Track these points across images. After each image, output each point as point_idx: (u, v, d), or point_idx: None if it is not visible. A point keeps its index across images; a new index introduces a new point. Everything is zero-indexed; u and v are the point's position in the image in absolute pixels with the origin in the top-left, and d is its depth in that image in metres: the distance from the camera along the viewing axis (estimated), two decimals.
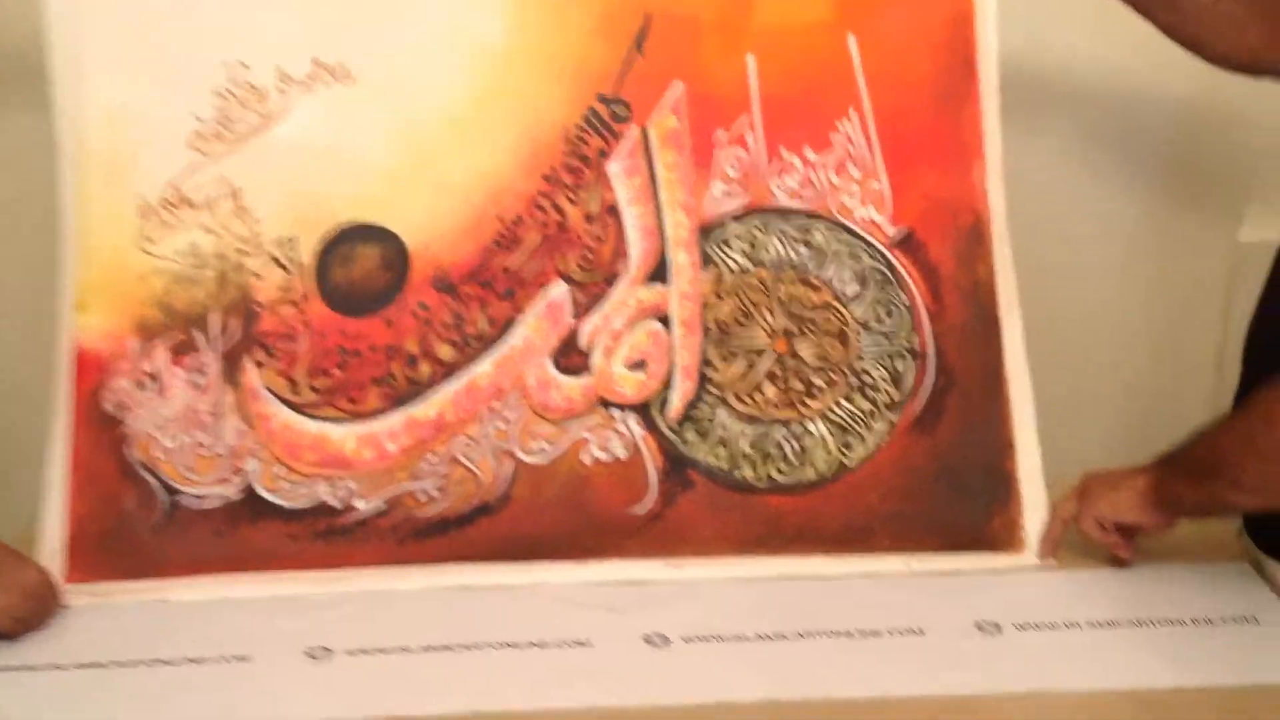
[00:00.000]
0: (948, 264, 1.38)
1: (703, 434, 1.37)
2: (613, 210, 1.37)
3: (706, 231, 1.38)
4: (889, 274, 1.38)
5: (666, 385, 1.38)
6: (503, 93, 1.36)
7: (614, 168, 1.36)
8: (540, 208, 1.36)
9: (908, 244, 1.38)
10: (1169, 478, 1.26)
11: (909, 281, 1.38)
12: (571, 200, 1.37)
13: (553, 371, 1.37)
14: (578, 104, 1.36)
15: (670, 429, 1.37)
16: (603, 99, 1.36)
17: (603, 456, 1.37)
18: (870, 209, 1.38)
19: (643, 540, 1.37)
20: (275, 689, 1.21)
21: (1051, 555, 1.35)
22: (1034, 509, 1.37)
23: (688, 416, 1.38)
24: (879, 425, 1.38)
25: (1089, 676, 1.21)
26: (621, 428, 1.37)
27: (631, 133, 1.36)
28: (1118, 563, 1.35)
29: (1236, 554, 1.39)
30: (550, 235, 1.36)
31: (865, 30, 1.37)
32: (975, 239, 1.38)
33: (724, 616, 1.30)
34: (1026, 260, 1.40)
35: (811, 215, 1.38)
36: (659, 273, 1.38)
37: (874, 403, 1.38)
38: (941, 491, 1.38)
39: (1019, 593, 1.34)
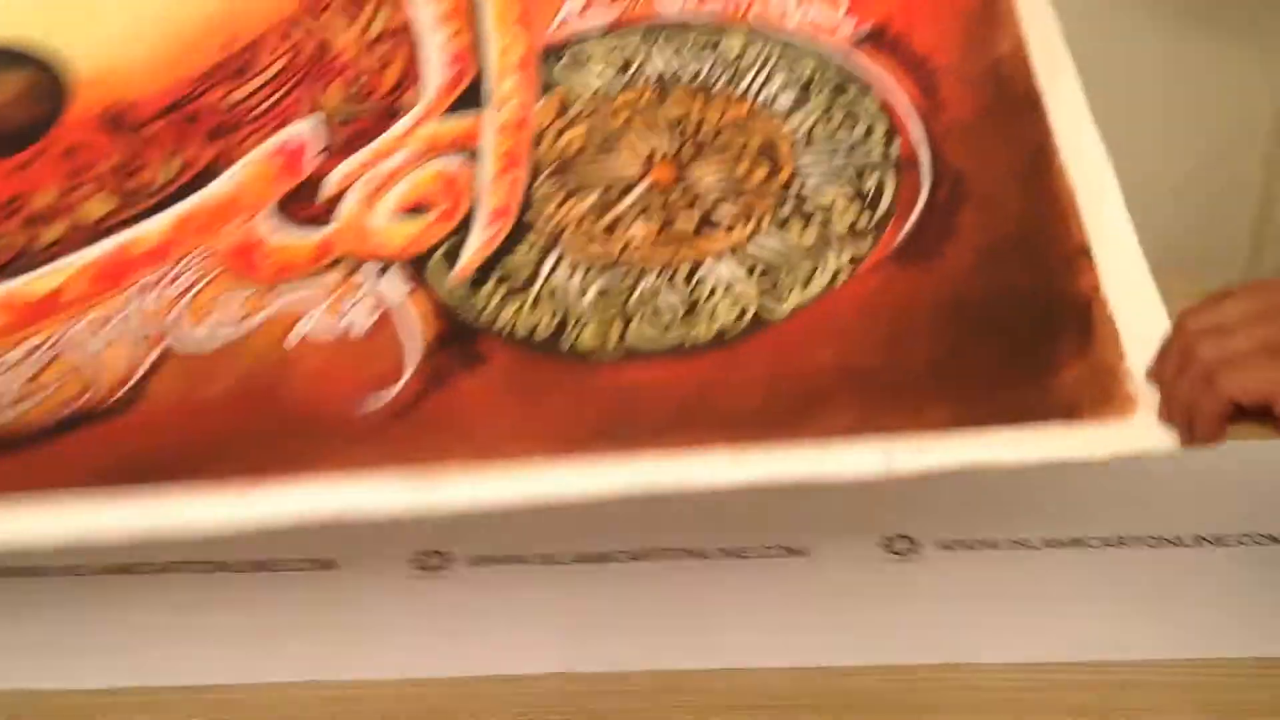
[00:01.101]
0: (945, 53, 0.85)
1: (513, 289, 0.77)
2: (406, 30, 0.88)
3: (554, 53, 0.87)
4: (846, 78, 0.83)
5: (459, 232, 0.79)
6: None
7: None
8: (294, 28, 0.89)
9: (879, 40, 0.85)
10: None
11: (881, 81, 0.83)
12: (345, 20, 0.89)
13: (266, 228, 0.81)
14: None
15: (456, 285, 0.76)
16: None
17: (322, 334, 0.76)
18: (815, 8, 0.86)
19: (383, 445, 0.72)
20: None
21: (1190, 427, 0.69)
22: (1143, 341, 0.70)
23: (490, 269, 0.77)
24: (835, 260, 0.76)
25: None
26: (368, 289, 0.77)
27: None
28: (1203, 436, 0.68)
29: None
30: (301, 61, 0.88)
31: None
32: (988, 12, 0.85)
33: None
34: None
35: (720, 26, 0.87)
36: (469, 101, 0.85)
37: (826, 232, 0.76)
38: (955, 336, 0.75)
39: None
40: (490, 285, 0.78)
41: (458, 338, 0.76)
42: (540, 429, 0.72)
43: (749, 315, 0.75)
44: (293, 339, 0.77)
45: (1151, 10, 1.15)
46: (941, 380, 0.72)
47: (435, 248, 0.80)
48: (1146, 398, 0.69)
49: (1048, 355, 0.72)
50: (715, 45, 0.87)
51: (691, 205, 0.80)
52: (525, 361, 0.75)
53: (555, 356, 0.75)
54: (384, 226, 0.81)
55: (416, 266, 0.79)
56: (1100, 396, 0.70)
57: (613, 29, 0.89)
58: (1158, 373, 0.69)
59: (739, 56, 0.86)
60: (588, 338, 0.75)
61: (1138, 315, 0.72)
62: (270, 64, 0.89)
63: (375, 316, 0.77)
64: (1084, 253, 0.75)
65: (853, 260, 0.76)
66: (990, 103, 0.82)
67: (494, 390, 0.74)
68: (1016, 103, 0.81)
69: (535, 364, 0.74)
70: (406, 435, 0.73)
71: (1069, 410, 0.70)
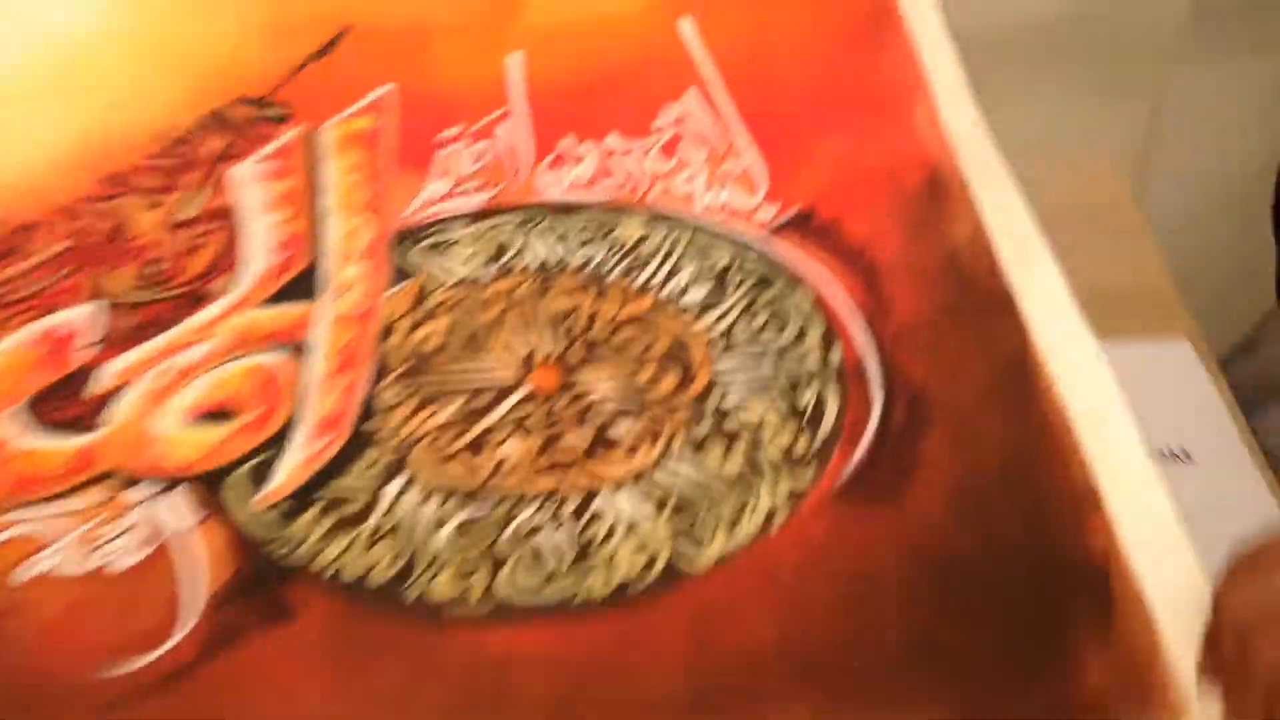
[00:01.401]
0: (887, 242, 0.69)
1: (344, 519, 0.57)
2: (226, 215, 0.71)
3: (412, 238, 0.70)
4: (770, 268, 0.67)
5: (273, 445, 0.60)
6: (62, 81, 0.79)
7: (242, 171, 0.73)
8: (86, 208, 0.71)
9: (804, 227, 0.69)
10: None
11: (813, 274, 0.66)
12: (147, 203, 0.71)
13: (8, 431, 0.61)
14: (192, 104, 0.77)
15: (263, 513, 0.57)
16: (241, 101, 0.77)
17: (67, 570, 0.56)
18: (728, 192, 0.72)
19: None
20: None
21: None
22: (1183, 616, 0.53)
23: (312, 492, 0.58)
24: (769, 494, 0.58)
25: None
26: (140, 514, 0.57)
27: (289, 134, 0.75)
28: None
29: None
30: (88, 244, 0.70)
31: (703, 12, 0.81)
32: (935, 196, 0.70)
33: None
34: None
35: (614, 208, 0.71)
36: (300, 290, 0.67)
37: (755, 457, 0.59)
38: (934, 604, 0.56)
39: None
40: (311, 514, 0.57)
41: (260, 581, 0.55)
42: (366, 708, 0.51)
43: (659, 564, 0.56)
44: (21, 575, 0.56)
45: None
46: (921, 666, 0.52)
47: (239, 463, 0.60)
48: (1199, 694, 0.51)
49: (1058, 637, 0.53)
50: (609, 231, 0.70)
51: (582, 419, 0.61)
52: (352, 615, 0.54)
53: (395, 610, 0.54)
54: (170, 434, 0.61)
55: (211, 486, 0.59)
56: (1136, 696, 0.51)
57: (484, 215, 0.72)
58: (1211, 670, 0.51)
59: (638, 244, 0.69)
60: (442, 586, 0.55)
61: (1171, 581, 0.54)
62: (46, 246, 0.70)
63: (147, 550, 0.56)
64: (1090, 497, 0.57)
65: (791, 496, 0.58)
66: (949, 301, 0.65)
67: (305, 653, 0.53)
68: (982, 301, 0.65)
69: (366, 619, 0.54)
70: (173, 712, 0.51)
71: (1096, 713, 0.51)
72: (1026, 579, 0.55)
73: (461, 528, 0.57)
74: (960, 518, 0.57)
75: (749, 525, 0.57)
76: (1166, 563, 0.54)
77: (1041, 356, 0.62)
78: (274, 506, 0.58)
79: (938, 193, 0.70)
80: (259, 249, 0.70)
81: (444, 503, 0.58)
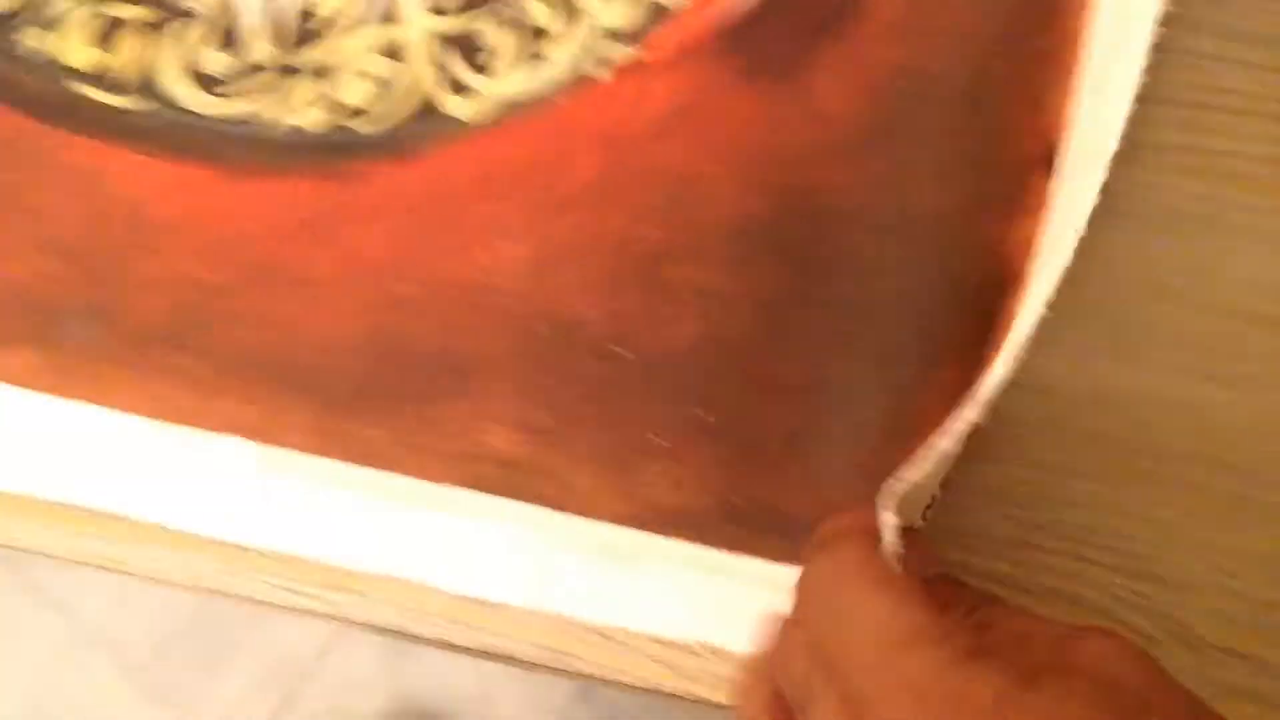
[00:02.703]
0: None
1: None
2: None
3: None
4: None
5: None
6: None
7: None
8: None
9: None
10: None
11: None
12: None
13: None
14: None
15: None
16: None
17: None
18: None
19: None
20: None
21: None
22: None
23: None
24: (600, 14, 0.35)
25: None
26: None
27: None
28: None
29: None
30: None
31: None
32: None
33: None
34: None
35: None
36: None
37: None
38: (768, 269, 0.38)
39: None
40: None
41: None
42: None
43: (411, 96, 0.37)
44: None
45: None
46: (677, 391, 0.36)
47: None
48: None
49: (914, 353, 0.37)
50: None
51: None
52: None
53: None
54: None
55: None
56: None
57: None
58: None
59: None
60: (73, 44, 0.36)
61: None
62: None
63: None
64: (1043, 161, 0.37)
65: (620, 35, 0.37)
66: None
67: None
68: None
69: None
70: None
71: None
72: (916, 278, 0.37)
73: None
74: (876, 141, 0.37)
75: (553, 67, 0.37)
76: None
77: None
78: None
79: None
80: None
81: None
